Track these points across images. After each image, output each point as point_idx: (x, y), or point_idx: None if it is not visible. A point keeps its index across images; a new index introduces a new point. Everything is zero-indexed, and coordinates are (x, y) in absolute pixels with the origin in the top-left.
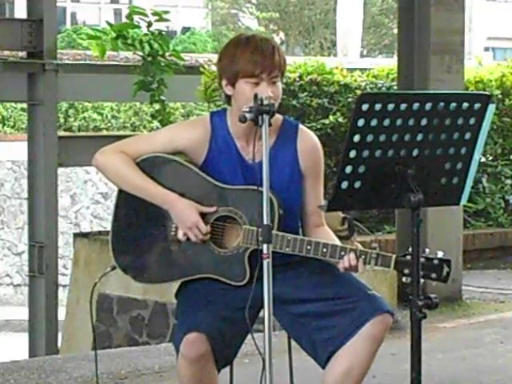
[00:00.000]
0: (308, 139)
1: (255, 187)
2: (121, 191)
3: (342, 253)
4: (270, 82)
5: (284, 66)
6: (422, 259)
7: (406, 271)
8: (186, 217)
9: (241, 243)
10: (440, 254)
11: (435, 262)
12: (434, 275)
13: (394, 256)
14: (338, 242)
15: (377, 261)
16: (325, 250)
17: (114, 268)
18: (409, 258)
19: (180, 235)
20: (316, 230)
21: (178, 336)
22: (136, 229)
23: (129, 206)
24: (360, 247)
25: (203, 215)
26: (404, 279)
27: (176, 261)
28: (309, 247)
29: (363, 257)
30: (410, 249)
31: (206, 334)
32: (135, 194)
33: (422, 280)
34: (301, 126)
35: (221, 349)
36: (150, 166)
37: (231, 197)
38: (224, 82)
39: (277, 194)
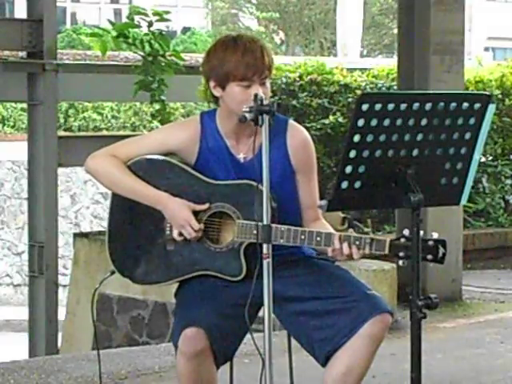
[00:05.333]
0: (298, 134)
1: (247, 181)
2: (114, 194)
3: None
4: (260, 83)
5: (272, 66)
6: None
7: (401, 254)
8: (177, 214)
9: (235, 238)
10: (435, 235)
11: (430, 243)
12: (430, 257)
13: (388, 239)
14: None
15: (371, 246)
16: (319, 238)
17: (113, 273)
18: (403, 240)
19: (175, 234)
20: (313, 224)
21: (176, 332)
22: (131, 231)
23: (123, 208)
24: (354, 234)
25: (196, 213)
26: (400, 263)
27: (173, 260)
28: (303, 237)
29: (357, 243)
30: (405, 231)
31: (205, 329)
32: (128, 196)
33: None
34: (290, 122)
35: (220, 345)
36: (142, 167)
37: (224, 193)
38: (212, 84)
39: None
